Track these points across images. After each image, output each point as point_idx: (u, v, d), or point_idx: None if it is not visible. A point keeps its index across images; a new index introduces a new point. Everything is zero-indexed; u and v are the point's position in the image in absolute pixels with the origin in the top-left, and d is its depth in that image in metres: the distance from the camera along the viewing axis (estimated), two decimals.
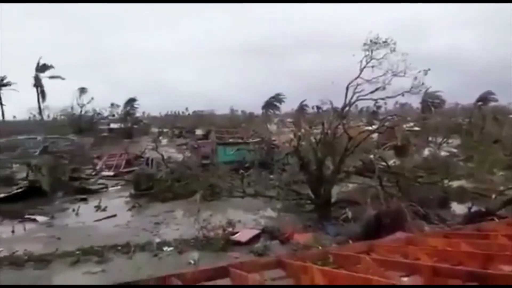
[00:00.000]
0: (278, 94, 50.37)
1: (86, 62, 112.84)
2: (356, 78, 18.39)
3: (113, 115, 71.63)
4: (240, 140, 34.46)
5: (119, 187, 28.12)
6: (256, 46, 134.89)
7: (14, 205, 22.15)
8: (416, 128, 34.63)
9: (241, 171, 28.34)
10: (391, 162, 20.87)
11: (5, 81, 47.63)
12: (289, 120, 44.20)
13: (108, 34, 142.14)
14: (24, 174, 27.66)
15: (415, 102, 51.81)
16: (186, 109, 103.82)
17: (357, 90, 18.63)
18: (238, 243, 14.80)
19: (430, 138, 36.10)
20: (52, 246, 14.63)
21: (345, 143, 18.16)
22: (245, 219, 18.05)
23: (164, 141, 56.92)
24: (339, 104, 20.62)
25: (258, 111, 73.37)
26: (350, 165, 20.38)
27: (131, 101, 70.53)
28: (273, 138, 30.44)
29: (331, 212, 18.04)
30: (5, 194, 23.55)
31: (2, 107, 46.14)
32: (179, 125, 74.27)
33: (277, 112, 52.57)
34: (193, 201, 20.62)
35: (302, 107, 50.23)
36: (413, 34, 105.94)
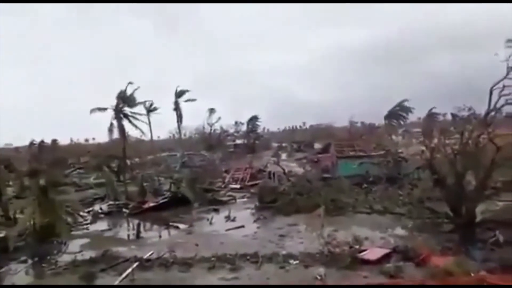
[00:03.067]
0: (403, 101, 46.25)
1: (214, 81, 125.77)
2: (502, 80, 15.86)
3: (238, 132, 77.40)
4: (361, 153, 33.14)
5: (245, 199, 29.86)
6: (376, 52, 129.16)
7: (160, 213, 25.67)
8: None
9: (365, 185, 27.19)
10: None
11: (152, 107, 56.19)
12: (416, 130, 40.44)
13: (233, 52, 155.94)
14: (167, 186, 31.86)
15: None
16: (304, 123, 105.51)
17: (503, 92, 16.03)
18: (366, 262, 14.03)
19: None
20: (191, 251, 16.27)
21: (491, 155, 15.68)
22: (373, 237, 17.04)
23: (284, 155, 58.45)
24: (478, 110, 18.14)
25: (379, 121, 69.52)
26: (499, 180, 17.50)
27: (253, 119, 75.02)
28: (400, 151, 28.26)
29: (475, 234, 15.70)
30: (154, 204, 27.45)
31: (150, 129, 54.33)
32: (298, 139, 75.65)
33: (401, 122, 48.64)
34: (316, 215, 20.52)
35: (431, 115, 45.18)
36: None
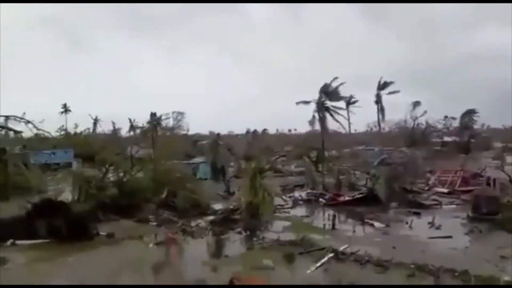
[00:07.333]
0: None
1: (421, 71, 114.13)
2: None
3: (447, 128, 68.18)
4: None
5: (453, 206, 26.02)
6: None
7: (355, 207, 25.42)
8: None
9: None
10: None
11: (352, 100, 56.41)
12: None
13: (445, 37, 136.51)
14: (363, 182, 31.23)
15: None
16: None
17: None
18: None
19: None
20: (387, 253, 15.33)
21: None
22: None
23: (510, 159, 47.69)
24: None
25: None
26: None
27: (469, 113, 64.59)
28: None
29: None
30: (349, 198, 27.43)
31: (349, 122, 54.73)
32: None
33: None
34: None
35: None
36: None
